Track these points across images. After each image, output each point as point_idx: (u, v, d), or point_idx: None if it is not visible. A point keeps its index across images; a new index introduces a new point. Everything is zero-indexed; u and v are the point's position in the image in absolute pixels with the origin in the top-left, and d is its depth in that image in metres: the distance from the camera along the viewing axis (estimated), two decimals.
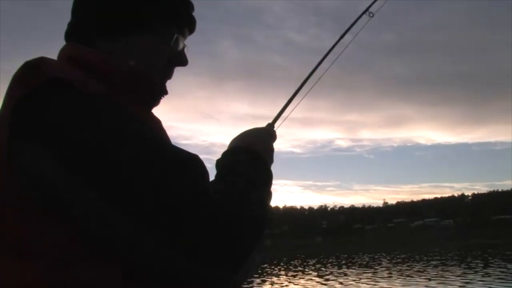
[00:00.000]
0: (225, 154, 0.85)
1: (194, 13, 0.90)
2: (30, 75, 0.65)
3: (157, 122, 0.84)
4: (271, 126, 1.05)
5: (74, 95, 0.63)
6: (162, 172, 0.61)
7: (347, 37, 1.44)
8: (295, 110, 1.17)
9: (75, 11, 0.82)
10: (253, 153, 0.84)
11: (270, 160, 0.91)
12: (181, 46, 0.87)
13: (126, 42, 0.78)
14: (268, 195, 0.81)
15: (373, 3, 1.40)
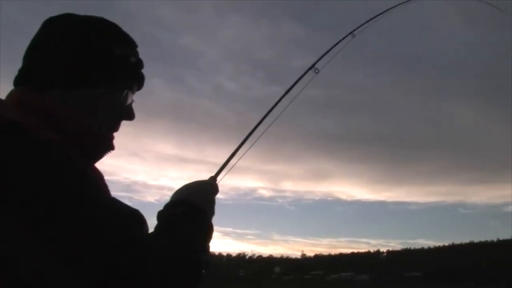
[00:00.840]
0: (166, 207, 0.87)
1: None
2: None
3: (99, 175, 0.83)
4: (213, 179, 1.07)
5: (28, 140, 0.64)
6: (99, 227, 0.62)
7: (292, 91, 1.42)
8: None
9: (28, 57, 0.83)
10: (193, 207, 0.86)
11: (211, 213, 0.93)
12: (129, 101, 0.89)
13: (79, 94, 0.80)
14: (206, 247, 0.83)
15: (319, 59, 1.43)
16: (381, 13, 1.66)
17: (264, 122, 1.31)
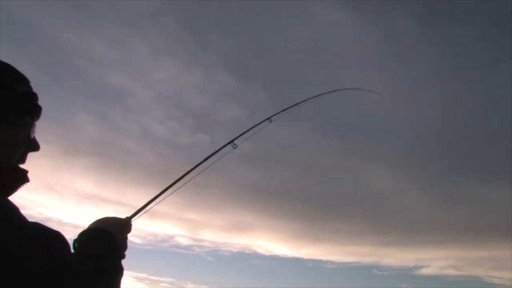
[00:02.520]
0: (81, 233, 1.03)
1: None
2: None
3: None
4: (129, 218, 1.26)
5: None
6: (27, 252, 0.67)
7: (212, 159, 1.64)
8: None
9: None
10: (106, 234, 1.04)
11: (122, 246, 1.11)
12: (33, 133, 0.96)
13: None
14: (117, 273, 1.00)
15: (237, 137, 1.68)
16: (297, 104, 1.98)
17: (181, 179, 1.52)
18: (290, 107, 1.94)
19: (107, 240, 1.05)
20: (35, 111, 0.96)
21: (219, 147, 1.67)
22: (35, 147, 0.97)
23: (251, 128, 1.73)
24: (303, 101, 2.04)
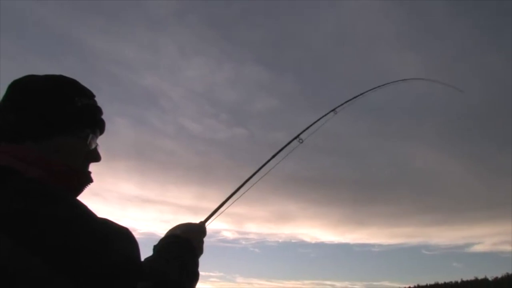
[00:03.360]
0: (160, 240, 1.09)
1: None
2: None
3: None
4: (203, 223, 1.27)
5: (19, 180, 0.72)
6: (98, 245, 0.69)
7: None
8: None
9: (3, 117, 0.91)
10: (184, 239, 1.09)
11: (199, 249, 1.15)
12: (94, 145, 1.00)
13: (49, 143, 0.88)
14: (194, 273, 1.05)
15: (303, 131, 1.63)
16: (362, 94, 1.89)
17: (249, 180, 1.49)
18: (355, 97, 1.85)
19: (185, 245, 1.09)
20: (96, 124, 1.00)
21: (284, 143, 1.62)
22: (96, 158, 1.01)
23: (316, 121, 1.67)
24: (369, 90, 1.94)
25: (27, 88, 0.93)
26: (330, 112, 1.74)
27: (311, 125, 1.65)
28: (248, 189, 1.49)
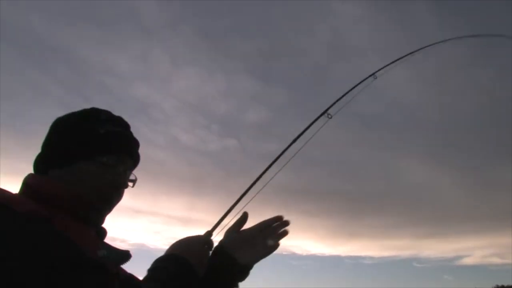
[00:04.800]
0: (156, 261, 1.00)
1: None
2: None
3: (86, 237, 0.91)
4: (209, 234, 1.14)
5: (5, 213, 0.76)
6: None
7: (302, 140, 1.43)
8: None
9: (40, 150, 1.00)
10: (182, 261, 0.99)
11: (201, 265, 1.03)
12: (120, 172, 1.00)
13: (69, 169, 0.94)
14: None
15: (332, 105, 1.43)
16: (403, 57, 1.63)
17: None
18: (400, 58, 1.60)
19: (179, 263, 1.00)
20: (121, 150, 1.02)
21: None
22: (122, 184, 1.02)
23: (346, 93, 1.46)
24: (412, 53, 1.67)
25: (56, 123, 1.01)
26: (368, 76, 1.52)
27: (341, 97, 1.45)
28: (269, 181, 1.33)
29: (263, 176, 1.29)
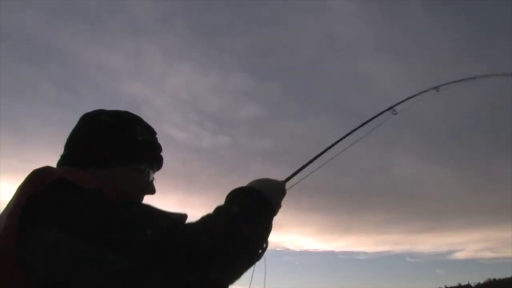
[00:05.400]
0: (237, 190, 0.99)
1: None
2: (42, 176, 0.84)
3: None
4: (284, 182, 1.14)
5: (75, 190, 0.84)
6: (136, 220, 0.80)
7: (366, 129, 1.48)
8: None
9: (69, 146, 1.03)
10: (262, 194, 0.97)
11: (276, 205, 1.02)
12: (150, 178, 1.07)
13: (108, 172, 0.98)
14: (264, 228, 0.93)
15: (399, 102, 1.50)
16: (473, 78, 1.70)
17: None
18: (464, 80, 1.67)
19: (256, 195, 0.98)
20: (154, 159, 1.09)
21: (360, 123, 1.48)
22: (151, 191, 1.07)
23: (415, 95, 1.53)
24: (477, 77, 1.74)
25: (97, 122, 1.04)
26: (431, 89, 1.59)
27: (408, 98, 1.52)
28: (333, 157, 1.36)
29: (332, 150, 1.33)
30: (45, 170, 0.88)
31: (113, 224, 0.78)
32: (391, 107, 1.50)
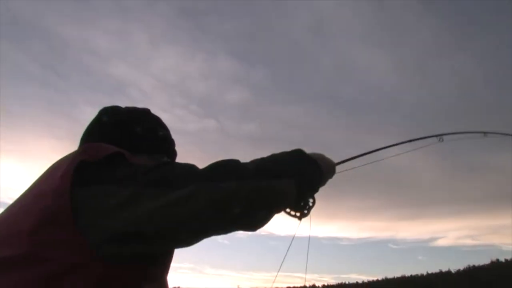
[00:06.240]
0: (302, 154, 1.01)
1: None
2: (99, 148, 0.86)
3: None
4: (337, 164, 1.18)
5: (128, 163, 0.86)
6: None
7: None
8: None
9: (95, 137, 1.03)
10: (313, 160, 1.00)
11: (325, 174, 1.07)
12: None
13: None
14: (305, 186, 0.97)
15: (447, 134, 1.64)
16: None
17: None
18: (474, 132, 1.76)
19: (315, 167, 1.01)
20: (171, 153, 1.15)
21: (418, 136, 1.62)
22: None
23: (463, 132, 1.67)
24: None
25: (121, 116, 1.09)
26: (478, 132, 1.71)
27: (457, 133, 1.66)
28: (377, 160, 1.44)
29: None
30: (102, 144, 0.90)
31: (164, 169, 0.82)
32: (439, 135, 1.64)
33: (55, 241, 0.72)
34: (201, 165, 0.83)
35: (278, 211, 0.92)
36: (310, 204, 1.09)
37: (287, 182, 0.90)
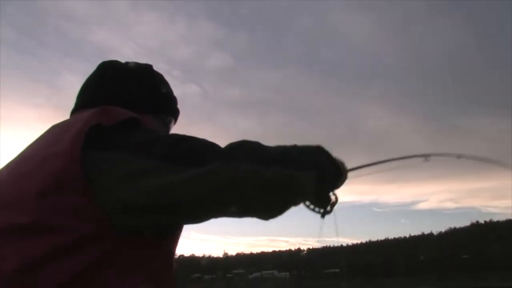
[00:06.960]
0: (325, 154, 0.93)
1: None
2: (116, 113, 0.83)
3: None
4: (348, 171, 1.05)
5: (142, 128, 0.85)
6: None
7: None
8: None
9: (94, 93, 1.01)
10: (334, 160, 0.93)
11: (333, 181, 0.96)
12: (171, 128, 1.13)
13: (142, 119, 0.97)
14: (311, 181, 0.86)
15: (434, 155, 1.64)
16: None
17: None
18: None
19: (335, 168, 0.93)
20: (174, 112, 1.13)
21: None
22: None
23: (452, 155, 1.68)
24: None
25: (124, 72, 1.05)
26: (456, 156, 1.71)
27: (442, 154, 1.66)
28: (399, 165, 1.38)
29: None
30: (117, 108, 0.87)
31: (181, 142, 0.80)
32: (427, 155, 1.65)
33: (66, 208, 0.69)
34: (185, 131, 0.82)
35: (295, 203, 0.87)
36: (334, 199, 1.02)
37: (309, 174, 0.84)
